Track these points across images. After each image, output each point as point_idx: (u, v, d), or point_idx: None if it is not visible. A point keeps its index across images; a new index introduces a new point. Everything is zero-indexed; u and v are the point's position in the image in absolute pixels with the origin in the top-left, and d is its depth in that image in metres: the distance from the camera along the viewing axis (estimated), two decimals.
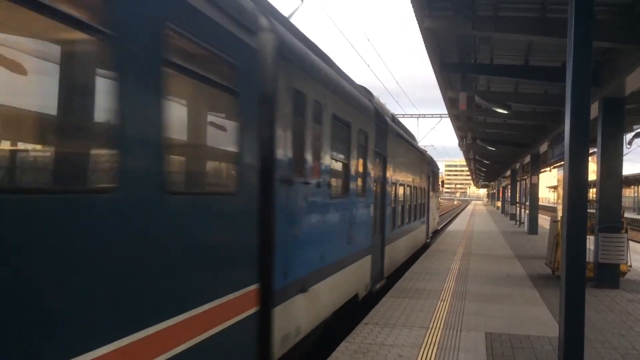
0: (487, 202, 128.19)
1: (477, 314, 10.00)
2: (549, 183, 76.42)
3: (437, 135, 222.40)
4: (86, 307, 3.15)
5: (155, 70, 3.80)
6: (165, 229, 3.97)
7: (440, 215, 39.92)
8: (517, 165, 40.52)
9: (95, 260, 3.22)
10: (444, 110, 26.84)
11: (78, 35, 3.16)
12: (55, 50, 3.18)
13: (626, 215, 18.54)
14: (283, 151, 6.20)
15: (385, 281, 13.08)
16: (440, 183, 35.37)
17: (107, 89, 3.38)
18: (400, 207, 15.64)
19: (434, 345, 7.91)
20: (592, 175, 12.44)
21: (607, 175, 13.42)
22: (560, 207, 16.13)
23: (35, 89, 3.11)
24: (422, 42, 13.72)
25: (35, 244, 2.81)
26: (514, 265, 16.91)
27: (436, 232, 30.63)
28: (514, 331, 8.82)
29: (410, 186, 17.63)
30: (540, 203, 34.52)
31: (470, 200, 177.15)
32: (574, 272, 6.32)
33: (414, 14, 11.79)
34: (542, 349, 7.92)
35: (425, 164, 22.43)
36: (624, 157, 13.91)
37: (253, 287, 5.54)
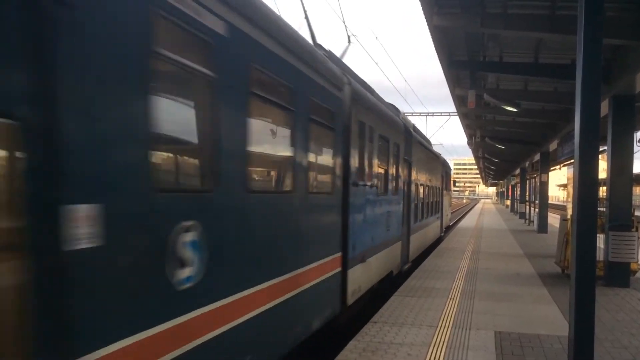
0: (496, 200, 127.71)
1: (486, 312, 9.97)
2: (559, 181, 76.00)
3: (446, 133, 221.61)
4: (270, 254, 6.07)
5: (305, 120, 7.00)
6: (305, 215, 7.17)
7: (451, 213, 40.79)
8: (527, 164, 40.34)
9: (287, 231, 6.60)
10: (453, 108, 26.97)
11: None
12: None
13: (637, 213, 18.42)
14: (353, 164, 9.10)
15: (411, 264, 16.13)
16: (452, 182, 39.30)
17: (285, 133, 6.59)
18: (421, 204, 18.30)
19: (443, 344, 7.90)
20: (602, 174, 12.38)
21: (617, 173, 13.33)
22: (570, 206, 16.04)
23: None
24: (431, 39, 13.69)
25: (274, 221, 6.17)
26: (523, 263, 16.84)
27: (448, 228, 32.43)
28: (524, 330, 8.79)
29: (428, 186, 20.20)
30: (549, 201, 34.33)
31: (479, 198, 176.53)
32: (584, 271, 6.28)
33: (422, 12, 11.76)
34: (552, 347, 7.88)
35: (439, 165, 25.04)
36: (635, 155, 13.82)
37: (338, 254, 8.63)
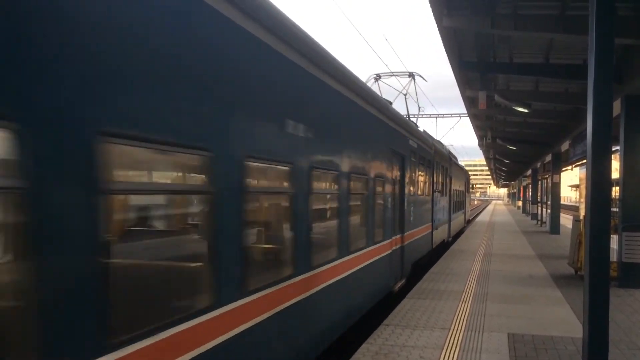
0: (508, 201, 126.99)
1: (499, 315, 9.92)
2: (571, 182, 75.41)
3: (456, 134, 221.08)
4: (361, 231, 9.45)
5: (430, 167, 17.93)
6: (435, 204, 18.90)
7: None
8: (538, 164, 40.10)
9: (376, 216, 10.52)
10: (463, 110, 27.02)
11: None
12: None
13: None
14: (435, 181, 18.98)
15: (451, 238, 25.77)
16: (471, 186, 51.50)
17: (428, 172, 17.73)
18: (454, 202, 27.05)
19: (456, 347, 7.87)
20: (615, 174, 12.28)
21: (630, 173, 13.23)
22: (582, 206, 15.93)
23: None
24: (441, 41, 13.66)
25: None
26: (536, 265, 16.74)
27: (468, 222, 41.95)
28: (537, 332, 8.74)
29: (458, 190, 30.15)
30: (561, 202, 34.12)
31: (490, 200, 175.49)
32: (598, 272, 6.24)
33: (432, 13, 11.75)
34: (566, 349, 7.83)
35: (463, 174, 35.26)
36: None
37: (399, 235, 12.54)
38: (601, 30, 6.21)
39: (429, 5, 11.38)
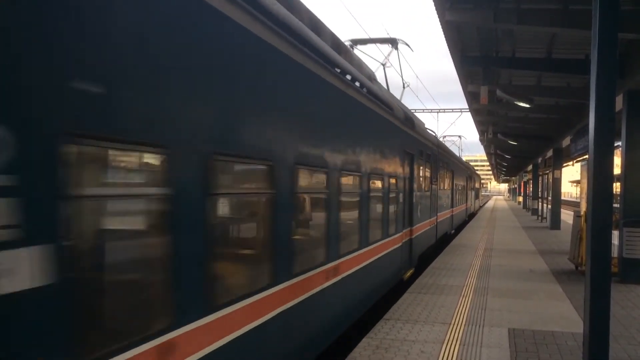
0: (508, 197, 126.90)
1: (499, 309, 9.92)
2: (571, 177, 75.40)
3: (457, 130, 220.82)
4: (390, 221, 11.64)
5: (436, 163, 19.06)
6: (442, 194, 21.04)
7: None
8: (539, 160, 40.03)
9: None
10: (464, 105, 27.09)
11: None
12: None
13: None
14: (436, 177, 19.44)
15: (454, 231, 27.76)
16: (475, 182, 52.62)
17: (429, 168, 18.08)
18: (457, 196, 29.29)
19: (456, 341, 7.88)
20: (616, 169, 12.25)
21: (631, 168, 13.20)
22: (583, 202, 15.92)
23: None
24: (443, 35, 13.61)
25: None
26: (536, 260, 16.74)
27: (472, 215, 44.54)
28: (538, 327, 8.75)
29: (460, 185, 32.22)
30: (562, 198, 34.11)
31: (491, 195, 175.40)
32: (599, 268, 6.23)
33: (434, 7, 11.69)
34: (567, 344, 7.84)
35: (464, 172, 36.16)
36: None
37: (409, 228, 13.66)
38: (604, 25, 6.18)
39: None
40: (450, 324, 8.85)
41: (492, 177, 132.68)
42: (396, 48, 18.96)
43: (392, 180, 11.49)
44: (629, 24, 10.45)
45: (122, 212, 3.61)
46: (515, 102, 17.50)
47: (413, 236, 14.15)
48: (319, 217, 7.19)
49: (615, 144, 12.46)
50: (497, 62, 15.91)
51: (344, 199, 7.99)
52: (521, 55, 15.61)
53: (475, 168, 61.45)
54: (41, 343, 2.77)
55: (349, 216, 8.44)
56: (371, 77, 11.51)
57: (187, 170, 3.98)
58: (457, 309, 9.87)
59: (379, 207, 10.39)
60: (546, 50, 14.93)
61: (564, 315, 9.64)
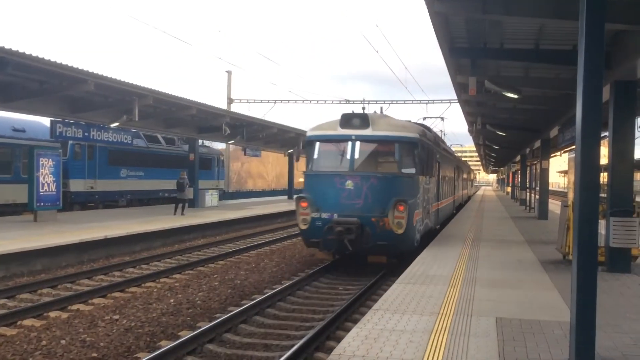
0: (497, 187, 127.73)
1: (487, 299, 10.00)
2: (559, 168, 75.86)
3: (446, 121, 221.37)
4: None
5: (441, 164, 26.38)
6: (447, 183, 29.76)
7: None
8: (527, 150, 40.25)
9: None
10: (453, 96, 27.25)
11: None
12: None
13: (638, 199, 18.41)
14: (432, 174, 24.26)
15: (455, 211, 34.91)
16: (464, 173, 54.26)
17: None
18: (460, 184, 38.40)
19: (444, 331, 7.93)
20: (603, 160, 12.34)
21: (618, 159, 13.30)
22: (571, 192, 16.04)
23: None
24: (432, 27, 13.59)
25: None
26: (524, 250, 16.88)
27: (459, 206, 45.66)
28: (525, 316, 8.82)
29: (460, 177, 39.18)
30: (550, 188, 34.39)
31: (479, 186, 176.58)
32: (586, 257, 6.28)
33: None
34: (553, 333, 7.92)
35: (454, 164, 39.61)
36: (636, 141, 13.78)
37: (436, 202, 22.27)
38: (591, 15, 6.20)
39: None
40: (438, 313, 8.91)
41: (480, 168, 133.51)
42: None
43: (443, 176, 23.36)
44: (616, 15, 10.48)
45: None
46: (504, 93, 17.58)
47: (439, 208, 22.89)
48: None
49: (602, 135, 12.61)
50: (485, 53, 15.94)
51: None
52: (509, 47, 15.65)
53: (464, 159, 61.76)
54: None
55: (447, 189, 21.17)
56: (444, 142, 23.15)
57: None
58: (445, 299, 9.93)
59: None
60: (534, 42, 14.98)
61: (551, 304, 9.73)
